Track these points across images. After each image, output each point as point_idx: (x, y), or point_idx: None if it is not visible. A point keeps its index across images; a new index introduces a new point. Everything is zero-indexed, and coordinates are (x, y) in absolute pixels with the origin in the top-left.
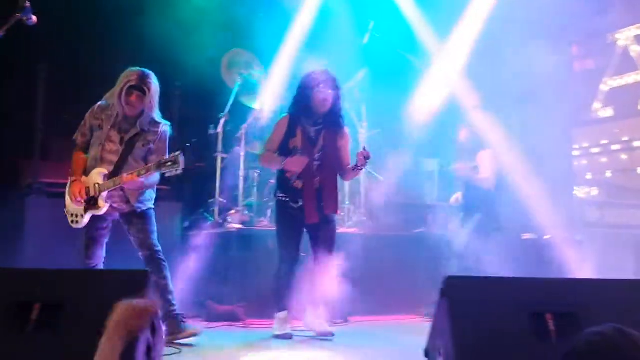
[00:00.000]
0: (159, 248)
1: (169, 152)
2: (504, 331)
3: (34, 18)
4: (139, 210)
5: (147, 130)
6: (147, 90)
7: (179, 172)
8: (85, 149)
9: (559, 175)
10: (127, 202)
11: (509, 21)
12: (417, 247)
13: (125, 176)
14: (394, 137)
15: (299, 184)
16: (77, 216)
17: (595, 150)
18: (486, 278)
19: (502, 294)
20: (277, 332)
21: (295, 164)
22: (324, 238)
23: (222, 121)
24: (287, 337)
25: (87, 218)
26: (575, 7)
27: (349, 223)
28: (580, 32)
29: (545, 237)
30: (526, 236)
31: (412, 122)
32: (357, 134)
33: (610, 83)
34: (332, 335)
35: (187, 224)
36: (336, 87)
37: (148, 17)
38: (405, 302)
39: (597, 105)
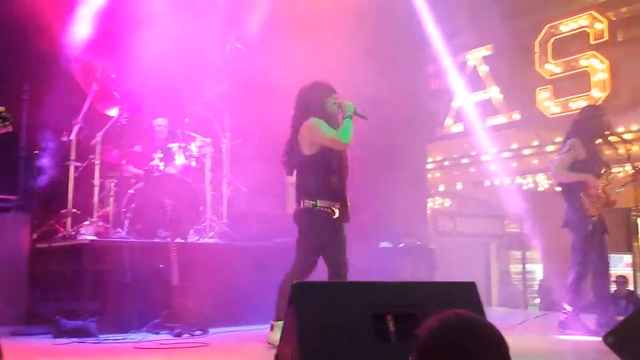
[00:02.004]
0: None
1: None
2: (347, 333)
3: None
4: None
5: None
6: None
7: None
8: None
9: (414, 187)
10: None
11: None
12: (279, 257)
13: None
14: (257, 147)
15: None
16: None
17: (448, 163)
18: (330, 283)
19: (345, 298)
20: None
21: None
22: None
23: (75, 128)
24: None
25: None
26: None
27: (210, 234)
28: (436, 52)
29: (400, 245)
30: (383, 244)
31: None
32: (221, 144)
33: (460, 100)
34: None
35: (35, 235)
36: None
37: None
38: (264, 312)
39: (449, 121)
